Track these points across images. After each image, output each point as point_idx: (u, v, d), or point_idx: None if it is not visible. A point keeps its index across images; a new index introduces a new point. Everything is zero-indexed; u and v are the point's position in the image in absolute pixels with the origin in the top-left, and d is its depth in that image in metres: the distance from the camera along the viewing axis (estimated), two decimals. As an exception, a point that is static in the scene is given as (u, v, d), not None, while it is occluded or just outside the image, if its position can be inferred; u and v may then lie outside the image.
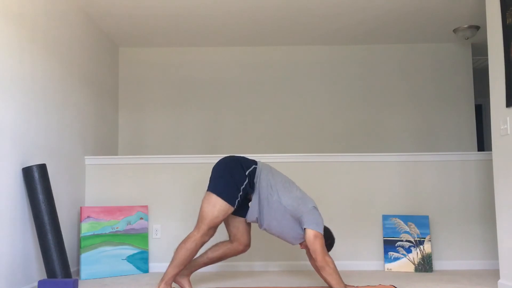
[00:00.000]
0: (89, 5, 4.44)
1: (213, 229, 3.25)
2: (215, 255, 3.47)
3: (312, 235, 3.16)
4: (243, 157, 3.40)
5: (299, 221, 3.24)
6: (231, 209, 3.22)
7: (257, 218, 3.33)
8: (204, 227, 3.21)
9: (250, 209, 3.32)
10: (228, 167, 3.28)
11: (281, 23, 4.96)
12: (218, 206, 3.18)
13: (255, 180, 3.26)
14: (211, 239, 3.34)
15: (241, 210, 3.36)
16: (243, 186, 3.22)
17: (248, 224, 3.47)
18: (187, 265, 3.34)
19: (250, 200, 3.35)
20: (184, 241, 3.24)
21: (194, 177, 4.49)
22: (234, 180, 3.22)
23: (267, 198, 3.24)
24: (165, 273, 3.26)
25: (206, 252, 3.50)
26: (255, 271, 4.34)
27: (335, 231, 4.29)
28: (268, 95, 5.62)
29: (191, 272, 3.47)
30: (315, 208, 3.28)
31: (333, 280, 3.18)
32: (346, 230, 4.45)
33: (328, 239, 3.36)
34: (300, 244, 3.39)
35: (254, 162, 3.35)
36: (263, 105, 5.60)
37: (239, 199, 3.22)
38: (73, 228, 4.17)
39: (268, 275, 4.10)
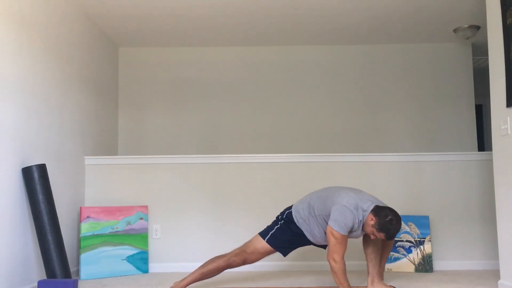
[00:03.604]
0: (89, 5, 4.44)
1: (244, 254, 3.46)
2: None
3: (328, 231, 3.17)
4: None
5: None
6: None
7: (318, 240, 3.40)
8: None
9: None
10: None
11: (281, 23, 4.95)
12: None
13: (295, 220, 3.38)
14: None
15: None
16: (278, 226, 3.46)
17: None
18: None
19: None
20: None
21: (194, 177, 4.49)
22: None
23: (307, 219, 3.34)
24: None
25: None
26: (255, 271, 4.33)
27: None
28: (268, 95, 5.61)
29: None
30: (345, 206, 3.13)
31: (335, 279, 3.18)
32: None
33: (381, 218, 3.10)
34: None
35: (288, 208, 3.52)
36: (263, 105, 5.59)
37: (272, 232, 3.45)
38: (73, 228, 4.17)
39: (268, 275, 4.10)
